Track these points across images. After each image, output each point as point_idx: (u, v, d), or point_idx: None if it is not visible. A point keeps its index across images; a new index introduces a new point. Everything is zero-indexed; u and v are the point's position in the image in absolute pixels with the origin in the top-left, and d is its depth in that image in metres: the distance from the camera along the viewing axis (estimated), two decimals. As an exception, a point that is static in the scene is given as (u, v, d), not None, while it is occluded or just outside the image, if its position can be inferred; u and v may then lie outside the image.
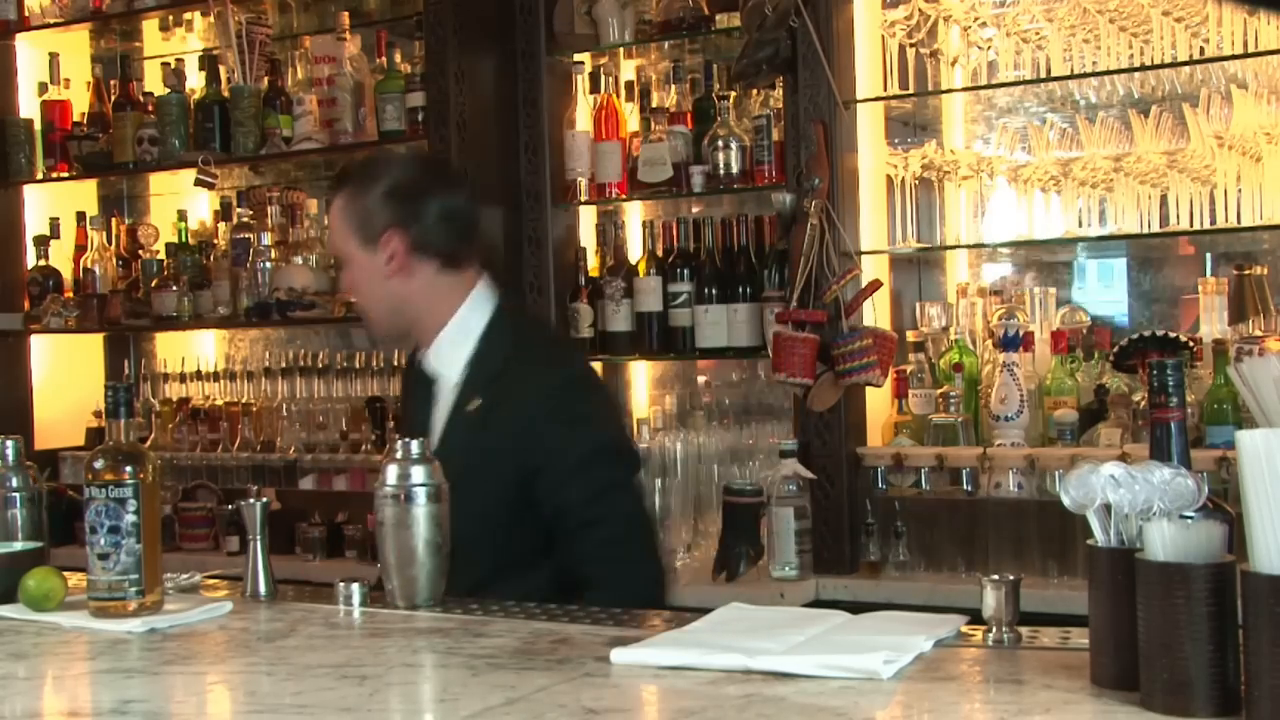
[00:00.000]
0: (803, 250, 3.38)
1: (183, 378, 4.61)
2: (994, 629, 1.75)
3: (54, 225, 4.71)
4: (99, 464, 2.08)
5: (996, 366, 3.39)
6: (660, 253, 3.85)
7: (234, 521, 3.93)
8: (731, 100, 3.76)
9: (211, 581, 2.47)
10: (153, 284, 4.51)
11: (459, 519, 2.14)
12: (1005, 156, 3.61)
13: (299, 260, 4.26)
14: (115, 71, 4.72)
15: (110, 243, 4.71)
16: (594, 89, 3.92)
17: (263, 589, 2.27)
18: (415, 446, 2.16)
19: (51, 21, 4.64)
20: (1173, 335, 3.28)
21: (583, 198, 3.91)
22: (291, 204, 4.45)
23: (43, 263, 4.68)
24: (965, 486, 3.34)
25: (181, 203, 4.74)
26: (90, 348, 4.86)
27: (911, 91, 3.55)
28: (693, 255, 3.80)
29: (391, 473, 2.15)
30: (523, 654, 1.78)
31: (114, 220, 4.80)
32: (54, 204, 4.78)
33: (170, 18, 4.60)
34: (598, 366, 4.05)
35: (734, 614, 1.91)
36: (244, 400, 4.47)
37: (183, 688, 1.74)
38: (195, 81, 4.49)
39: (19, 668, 1.88)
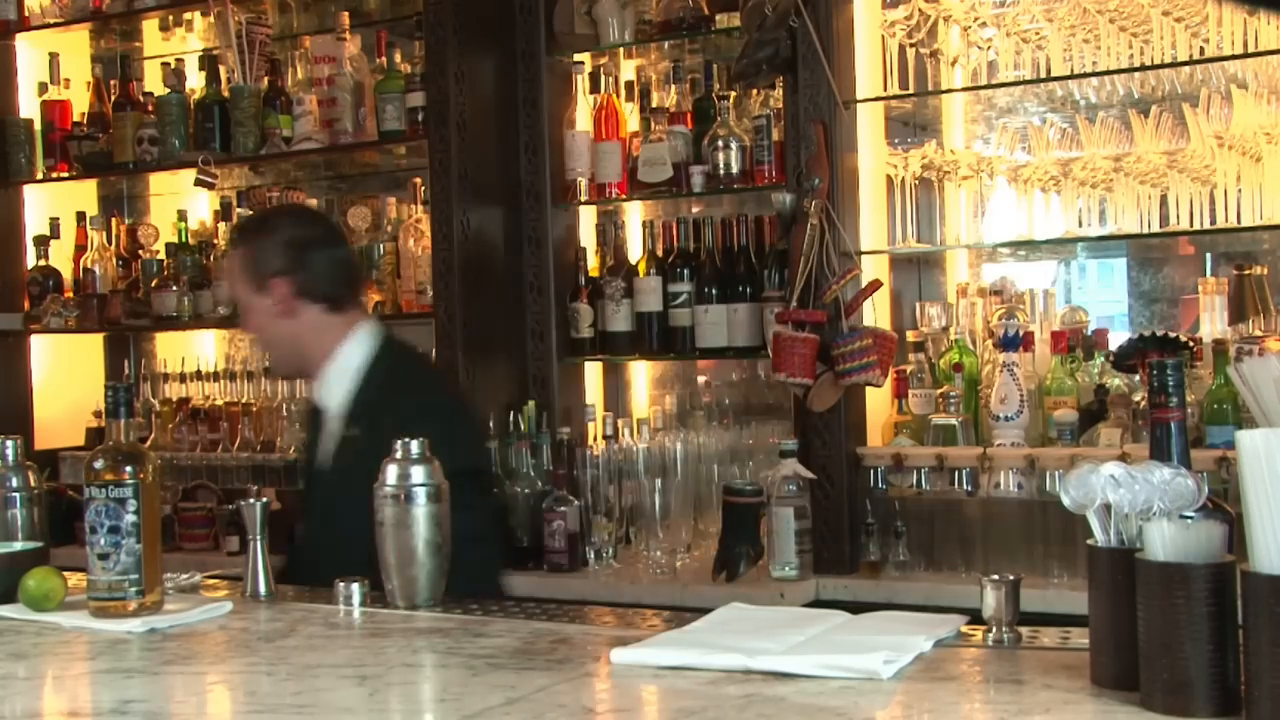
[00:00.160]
0: (803, 250, 3.38)
1: (183, 378, 4.61)
2: (994, 629, 1.75)
3: (54, 225, 4.71)
4: (99, 464, 2.08)
5: (996, 366, 3.39)
6: (660, 253, 3.85)
7: (234, 521, 3.93)
8: (731, 100, 3.76)
9: (211, 581, 2.47)
10: (153, 284, 4.51)
11: (343, 536, 2.25)
12: (1005, 156, 3.61)
13: (299, 260, 4.25)
14: (115, 71, 4.72)
15: (110, 243, 4.71)
16: (594, 89, 3.92)
17: (263, 589, 2.27)
18: (415, 446, 2.16)
19: (51, 21, 4.64)
20: (1173, 335, 3.28)
21: (583, 198, 3.91)
22: (291, 204, 4.45)
23: (43, 263, 4.68)
24: (965, 486, 3.34)
25: (181, 203, 4.74)
26: (90, 348, 4.86)
27: (911, 91, 3.55)
28: (693, 255, 3.80)
29: (391, 473, 2.15)
30: (523, 654, 1.78)
31: (114, 220, 4.80)
32: (54, 204, 4.78)
33: (170, 18, 4.60)
34: (598, 366, 4.07)
35: (734, 614, 1.91)
36: (244, 400, 4.47)
37: (183, 688, 1.74)
38: (195, 81, 4.49)
39: (19, 668, 1.88)
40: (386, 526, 2.15)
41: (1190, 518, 1.44)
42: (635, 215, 4.10)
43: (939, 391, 3.50)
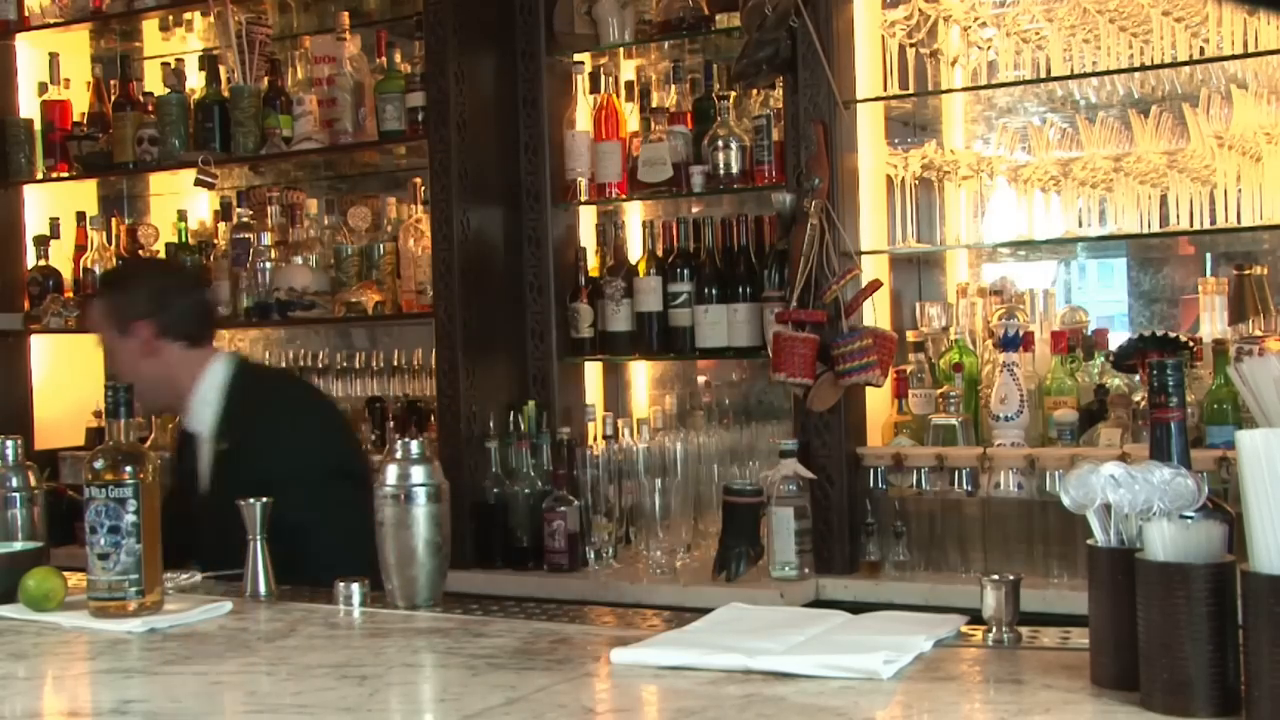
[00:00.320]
0: (803, 250, 3.38)
1: (183, 378, 4.60)
2: (994, 629, 1.75)
3: (54, 225, 4.71)
4: (99, 464, 2.08)
5: (996, 366, 3.39)
6: (660, 253, 3.85)
7: (234, 521, 3.92)
8: (731, 100, 3.76)
9: (212, 582, 2.47)
10: (153, 284, 4.51)
11: (226, 544, 2.33)
12: (1005, 156, 3.61)
13: (299, 260, 4.26)
14: (115, 71, 4.71)
15: (110, 243, 4.71)
16: (594, 89, 3.92)
17: (263, 589, 2.27)
18: (415, 446, 2.16)
19: (51, 21, 4.64)
20: (1173, 335, 3.28)
21: (583, 198, 3.91)
22: (291, 204, 4.45)
23: (43, 263, 4.68)
24: (965, 486, 3.34)
25: (181, 203, 4.74)
26: (90, 348, 4.82)
27: (911, 91, 3.55)
28: (693, 255, 3.80)
29: (391, 473, 2.15)
30: (523, 654, 1.78)
31: (114, 220, 4.80)
32: (54, 204, 4.78)
33: (170, 18, 4.60)
34: (598, 366, 4.06)
35: (734, 614, 1.91)
36: (244, 400, 4.46)
37: (183, 688, 1.74)
38: (195, 81, 4.48)
39: (19, 668, 1.88)
40: (386, 526, 2.15)
41: (1190, 518, 1.44)
42: (635, 215, 4.10)
43: (939, 391, 3.50)
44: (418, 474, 2.15)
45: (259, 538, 2.28)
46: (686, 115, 3.84)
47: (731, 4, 3.69)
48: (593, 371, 4.09)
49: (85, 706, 1.70)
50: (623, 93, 3.98)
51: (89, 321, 3.25)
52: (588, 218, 4.05)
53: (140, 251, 4.65)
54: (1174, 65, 3.30)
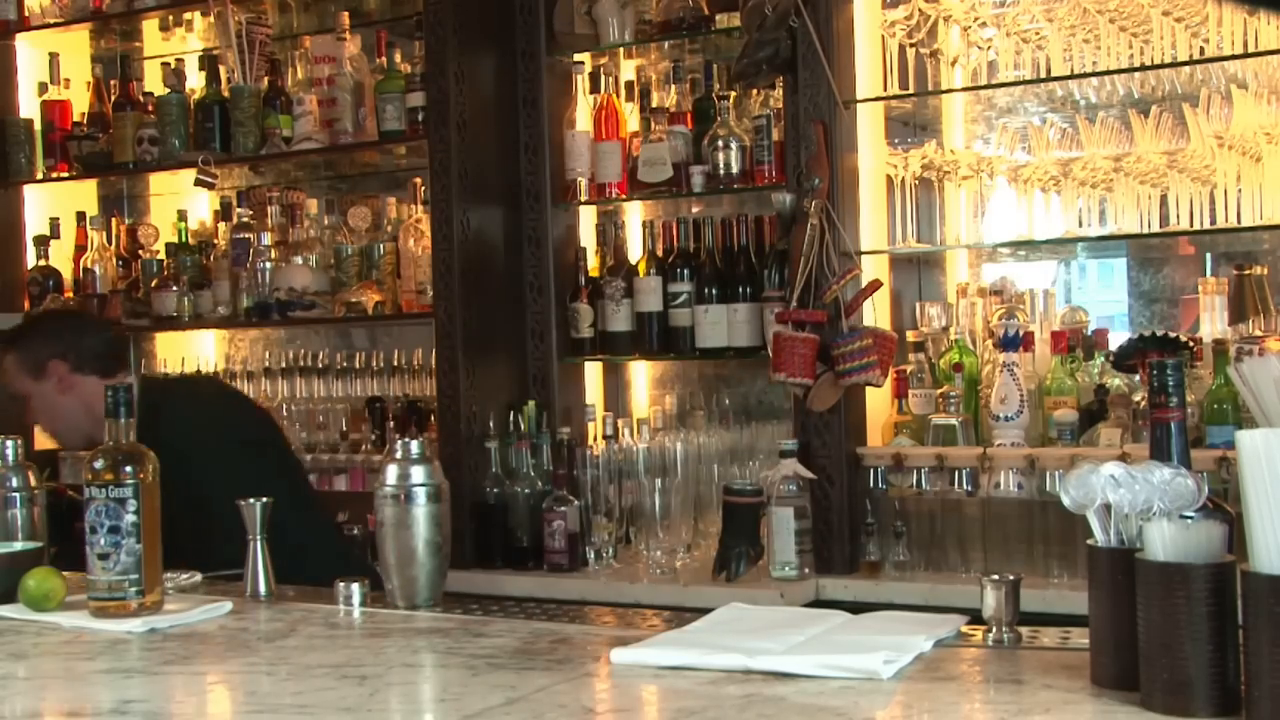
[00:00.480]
0: (803, 250, 3.38)
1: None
2: (994, 629, 1.75)
3: (54, 225, 4.71)
4: (99, 464, 2.08)
5: (996, 366, 3.39)
6: (660, 253, 3.85)
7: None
8: (731, 100, 3.76)
9: (212, 582, 2.47)
10: (153, 284, 4.51)
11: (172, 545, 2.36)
12: (1005, 156, 3.61)
13: (299, 260, 4.26)
14: (115, 71, 4.71)
15: (110, 243, 4.71)
16: (594, 89, 3.92)
17: (263, 589, 2.27)
18: (415, 446, 2.16)
19: (51, 21, 4.64)
20: (1173, 335, 3.28)
21: (583, 198, 3.91)
22: (291, 204, 4.45)
23: (43, 263, 4.68)
24: (965, 486, 3.34)
25: (181, 203, 4.74)
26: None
27: (911, 91, 3.55)
28: (693, 255, 3.80)
29: (391, 473, 2.15)
30: (523, 654, 1.78)
31: (114, 220, 4.80)
32: (54, 204, 4.78)
33: (170, 18, 4.60)
34: (598, 366, 4.06)
35: (734, 614, 1.91)
36: (244, 400, 4.46)
37: (183, 688, 1.74)
38: (195, 81, 4.49)
39: (19, 668, 1.88)
40: (386, 526, 2.15)
41: (1190, 518, 1.44)
42: (635, 215, 4.10)
43: (939, 391, 3.50)
44: (418, 474, 2.15)
45: (259, 538, 2.28)
46: (686, 115, 3.84)
47: (731, 4, 3.69)
48: (593, 371, 4.09)
49: (85, 706, 1.69)
50: (623, 93, 3.98)
51: (3, 379, 3.39)
52: (588, 218, 4.05)
53: (141, 253, 4.65)
54: (1174, 65, 3.30)
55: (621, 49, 4.00)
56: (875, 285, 3.43)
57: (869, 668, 1.58)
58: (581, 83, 3.89)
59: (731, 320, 3.71)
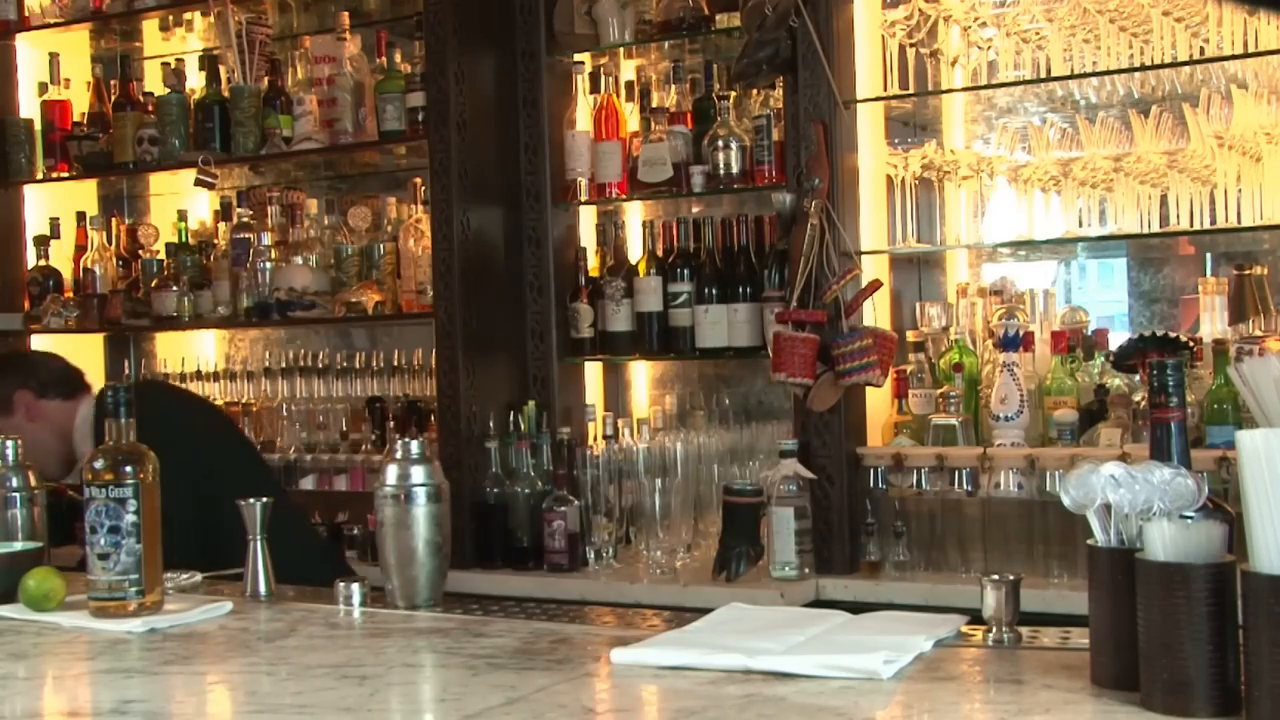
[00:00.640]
0: (803, 250, 3.38)
1: (183, 378, 4.61)
2: (994, 629, 1.75)
3: (54, 225, 4.71)
4: (99, 464, 2.08)
5: (996, 366, 3.39)
6: (660, 253, 3.85)
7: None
8: (731, 100, 3.76)
9: (212, 582, 2.47)
10: (153, 284, 4.51)
11: None
12: (1005, 156, 3.61)
13: (299, 260, 4.26)
14: (115, 71, 4.71)
15: (110, 243, 4.71)
16: (594, 89, 3.92)
17: (263, 589, 2.27)
18: (415, 446, 2.16)
19: (51, 21, 4.64)
20: (1173, 335, 3.28)
21: (583, 198, 3.91)
22: (291, 204, 4.45)
23: (43, 263, 4.68)
24: (965, 486, 3.34)
25: (181, 203, 4.74)
26: (90, 348, 4.85)
27: (911, 91, 3.55)
28: (693, 255, 3.80)
29: (391, 473, 2.15)
30: (523, 654, 1.78)
31: (114, 220, 4.80)
32: (54, 204, 4.78)
33: (170, 18, 4.60)
34: (598, 366, 4.06)
35: (734, 614, 1.91)
36: (244, 400, 4.47)
37: (183, 688, 1.74)
38: (195, 81, 4.48)
39: (19, 668, 1.88)
40: (386, 526, 2.15)
41: (1190, 518, 1.44)
42: (635, 215, 4.10)
43: (939, 391, 3.50)
44: (418, 474, 2.15)
45: (259, 538, 2.28)
46: (686, 115, 3.84)
47: (731, 4, 3.69)
48: (593, 371, 4.09)
49: (85, 706, 1.70)
50: (623, 93, 3.98)
51: None
52: (588, 218, 4.05)
53: (141, 253, 4.66)
54: (1174, 65, 3.30)
55: (621, 49, 4.00)
56: (875, 285, 3.43)
57: (869, 668, 1.58)
58: (581, 83, 3.89)
59: (731, 320, 3.71)
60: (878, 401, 3.55)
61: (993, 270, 3.90)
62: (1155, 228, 3.39)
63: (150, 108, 4.50)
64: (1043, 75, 3.43)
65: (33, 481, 2.44)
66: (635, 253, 3.99)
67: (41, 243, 4.67)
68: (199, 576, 2.49)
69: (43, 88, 4.68)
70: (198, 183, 4.32)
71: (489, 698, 1.56)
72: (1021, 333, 3.38)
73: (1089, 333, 3.50)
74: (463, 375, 3.78)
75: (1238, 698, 1.34)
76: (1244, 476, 1.33)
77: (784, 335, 3.36)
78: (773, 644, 1.68)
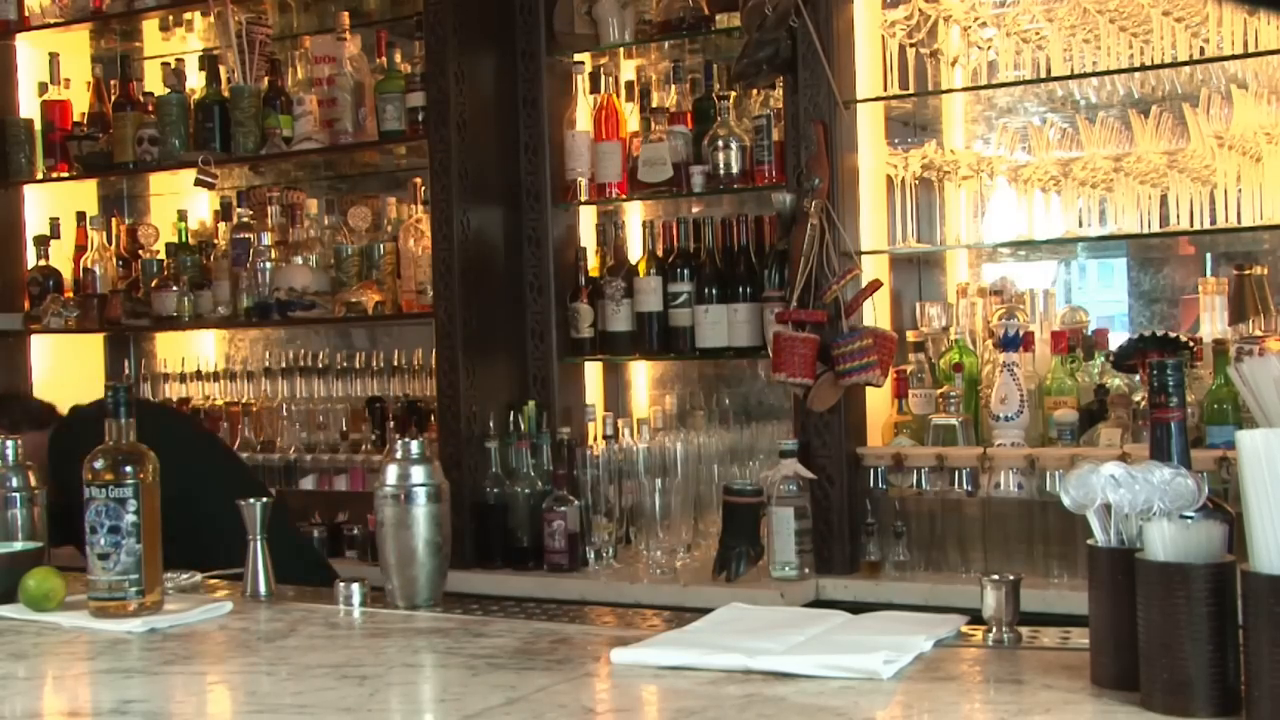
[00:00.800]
0: (803, 250, 3.38)
1: (183, 378, 4.61)
2: (994, 629, 1.75)
3: (54, 225, 4.71)
4: (99, 464, 2.08)
5: (996, 366, 3.39)
6: (660, 253, 3.85)
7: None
8: (731, 100, 3.76)
9: (212, 581, 2.47)
10: (153, 284, 4.51)
11: None
12: (1005, 156, 3.61)
13: (299, 260, 4.26)
14: (115, 71, 4.71)
15: (110, 243, 4.71)
16: (594, 89, 3.92)
17: (263, 589, 2.27)
18: (415, 446, 2.16)
19: (51, 21, 4.64)
20: (1173, 335, 3.28)
21: (583, 198, 3.91)
22: (291, 204, 4.45)
23: (43, 263, 4.68)
24: (965, 486, 3.34)
25: (181, 203, 4.74)
26: (90, 348, 4.85)
27: (911, 91, 3.55)
28: (693, 255, 3.80)
29: (391, 473, 2.15)
30: (523, 654, 1.78)
31: (114, 220, 4.80)
32: (54, 204, 4.78)
33: (170, 18, 4.60)
34: (598, 366, 4.06)
35: (734, 614, 1.91)
36: (244, 400, 4.47)
37: (183, 688, 1.74)
38: (195, 81, 4.48)
39: (19, 668, 1.88)
40: (386, 526, 2.15)
41: (1190, 518, 1.44)
42: (635, 215, 4.10)
43: (939, 391, 3.50)
44: (418, 474, 2.15)
45: (259, 538, 2.28)
46: (686, 115, 3.84)
47: (731, 4, 3.69)
48: (593, 371, 4.09)
49: (85, 706, 1.70)
50: (623, 93, 3.98)
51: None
52: (588, 218, 4.05)
53: (141, 253, 4.66)
54: (1174, 65, 3.30)
55: (621, 49, 4.00)
56: (875, 285, 3.43)
57: (869, 668, 1.58)
58: (581, 83, 3.89)
59: (731, 320, 3.71)
60: (878, 401, 3.55)
61: (993, 270, 3.90)
62: (1155, 228, 3.39)
63: (150, 108, 4.50)
64: (1043, 75, 3.43)
65: (33, 481, 2.44)
66: (635, 253, 3.99)
67: (41, 243, 4.67)
68: (199, 576, 2.49)
69: (43, 88, 4.68)
70: (198, 183, 4.32)
71: (489, 698, 1.56)
72: (1021, 333, 3.38)
73: (1089, 333, 3.50)
74: (463, 375, 3.78)
75: (1238, 698, 1.34)
76: (1244, 476, 1.33)
77: (784, 335, 3.37)
78: (773, 644, 1.68)
